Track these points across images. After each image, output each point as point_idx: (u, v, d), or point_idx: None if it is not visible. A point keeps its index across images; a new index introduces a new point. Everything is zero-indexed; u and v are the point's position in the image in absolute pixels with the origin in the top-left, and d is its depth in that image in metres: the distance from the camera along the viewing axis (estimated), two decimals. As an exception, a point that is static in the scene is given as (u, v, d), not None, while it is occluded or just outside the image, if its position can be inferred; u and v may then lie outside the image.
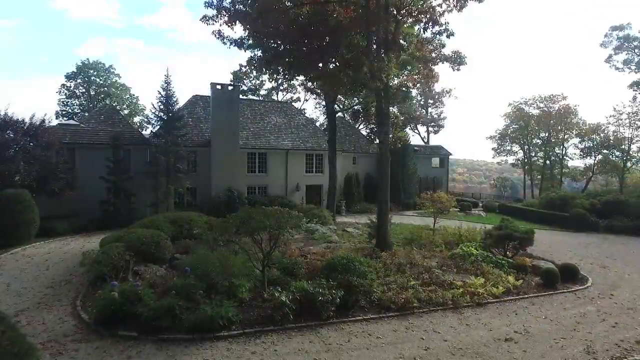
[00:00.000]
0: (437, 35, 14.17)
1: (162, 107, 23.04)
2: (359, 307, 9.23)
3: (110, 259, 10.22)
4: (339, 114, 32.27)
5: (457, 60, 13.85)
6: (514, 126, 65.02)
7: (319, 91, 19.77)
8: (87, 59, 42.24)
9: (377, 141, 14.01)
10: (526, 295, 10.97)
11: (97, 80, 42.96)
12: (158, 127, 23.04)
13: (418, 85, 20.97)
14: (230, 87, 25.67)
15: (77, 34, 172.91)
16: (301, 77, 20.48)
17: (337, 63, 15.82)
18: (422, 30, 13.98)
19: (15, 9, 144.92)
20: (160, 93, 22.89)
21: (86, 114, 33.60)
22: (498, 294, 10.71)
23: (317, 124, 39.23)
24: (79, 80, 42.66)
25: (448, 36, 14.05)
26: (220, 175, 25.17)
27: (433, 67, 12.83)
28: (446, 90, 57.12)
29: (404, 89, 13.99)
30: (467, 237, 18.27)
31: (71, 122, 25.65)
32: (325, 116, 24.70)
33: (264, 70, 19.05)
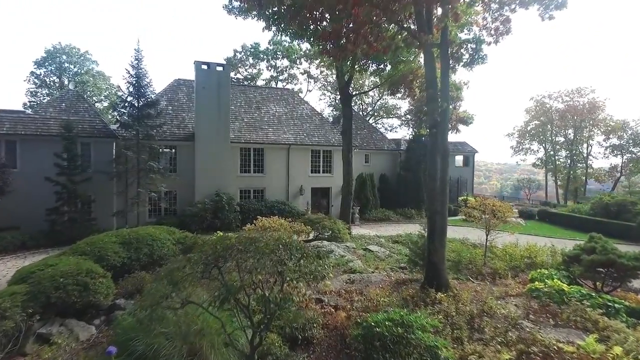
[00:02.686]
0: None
1: (131, 89, 18.76)
2: None
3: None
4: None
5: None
6: (535, 122, 61.31)
7: (329, 59, 15.44)
8: (59, 42, 37.93)
9: (411, 130, 9.62)
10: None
11: (71, 67, 38.68)
12: (126, 115, 18.76)
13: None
14: (219, 68, 21.39)
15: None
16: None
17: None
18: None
19: None
20: (128, 72, 18.60)
21: (44, 101, 29.34)
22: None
23: (325, 114, 34.83)
24: (50, 68, 38.43)
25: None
26: (206, 175, 20.88)
27: (510, 13, 8.63)
28: (463, 82, 52.93)
29: (471, 44, 9.71)
30: (532, 257, 14.03)
31: (16, 109, 21.36)
32: (339, 100, 20.16)
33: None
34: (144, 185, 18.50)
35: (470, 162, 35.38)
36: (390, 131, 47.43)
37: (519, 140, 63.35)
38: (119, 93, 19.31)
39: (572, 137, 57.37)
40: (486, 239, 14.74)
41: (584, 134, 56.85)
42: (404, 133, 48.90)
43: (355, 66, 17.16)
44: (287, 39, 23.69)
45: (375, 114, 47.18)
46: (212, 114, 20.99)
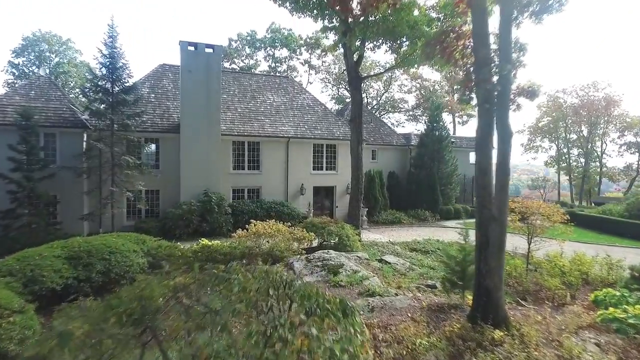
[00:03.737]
0: None
1: (104, 72, 16.34)
2: None
3: None
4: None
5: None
6: (547, 118, 59.18)
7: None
8: (39, 29, 35.47)
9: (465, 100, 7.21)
10: None
11: (52, 56, 36.25)
12: (98, 101, 16.33)
13: None
14: (208, 49, 18.96)
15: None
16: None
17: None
18: None
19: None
20: (100, 52, 16.18)
21: (7, 89, 26.94)
22: None
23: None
24: (30, 57, 36.01)
25: None
26: (193, 172, 18.45)
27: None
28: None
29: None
30: (583, 270, 11.65)
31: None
32: (347, 83, 17.61)
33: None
34: (119, 183, 16.11)
35: (485, 159, 32.90)
36: (397, 126, 45.06)
37: (530, 138, 61.26)
38: (89, 76, 16.84)
39: (587, 134, 55.35)
40: (528, 249, 12.31)
41: (598, 131, 54.99)
42: (411, 128, 46.46)
43: (366, 43, 14.73)
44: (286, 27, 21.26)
45: (381, 108, 44.77)
46: (200, 101, 18.55)
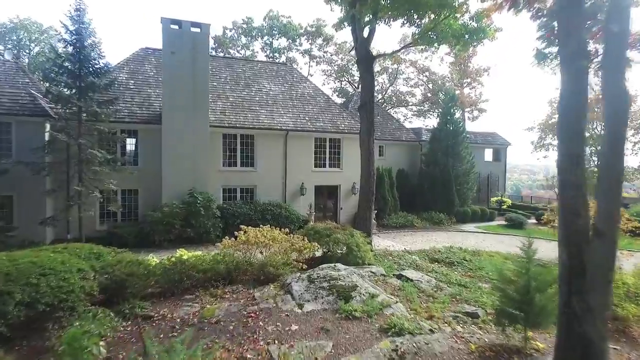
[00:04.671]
0: None
1: (70, 51, 14.10)
2: None
3: None
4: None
5: None
6: (555, 116, 57.11)
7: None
8: (17, 15, 33.20)
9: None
10: None
11: (32, 45, 33.99)
12: (62, 85, 14.09)
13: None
14: (195, 28, 16.69)
15: None
16: None
17: None
18: None
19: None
20: (65, 27, 13.93)
21: None
22: None
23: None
24: (9, 46, 33.77)
25: None
26: (177, 170, 16.21)
27: None
28: (484, 69, 48.48)
29: None
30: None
31: None
32: (356, 64, 15.14)
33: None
34: (87, 182, 13.86)
35: (501, 156, 30.73)
36: (403, 122, 42.79)
37: (541, 136, 59.18)
38: (52, 55, 14.58)
39: (603, 131, 53.21)
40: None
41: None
42: (418, 124, 44.17)
43: (379, 16, 12.46)
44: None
45: (386, 102, 42.50)
46: (185, 88, 16.30)
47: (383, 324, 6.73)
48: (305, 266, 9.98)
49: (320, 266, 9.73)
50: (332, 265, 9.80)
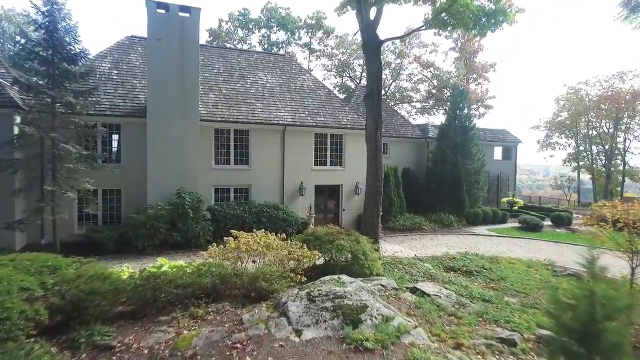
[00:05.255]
0: None
1: (41, 35, 12.74)
2: None
3: None
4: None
5: None
6: (563, 114, 56.12)
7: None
8: (1, 6, 31.85)
9: None
10: None
11: (17, 38, 32.58)
12: (33, 72, 12.73)
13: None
14: (183, 13, 15.32)
15: None
16: None
17: None
18: None
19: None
20: (36, 8, 12.58)
21: None
22: None
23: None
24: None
25: None
26: (164, 168, 14.86)
27: None
28: (489, 64, 47.21)
29: None
30: None
31: None
32: (361, 48, 13.57)
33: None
34: (61, 180, 12.52)
35: (512, 154, 29.37)
36: (407, 119, 41.50)
37: (547, 134, 58.02)
38: (22, 40, 13.23)
39: (612, 130, 52.26)
40: (632, 274, 8.66)
41: (621, 126, 52.00)
42: (423, 121, 42.80)
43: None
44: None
45: (388, 99, 41.13)
46: (173, 78, 14.95)
47: (402, 358, 5.38)
48: (304, 278, 8.65)
49: (321, 279, 8.39)
50: (336, 277, 8.46)
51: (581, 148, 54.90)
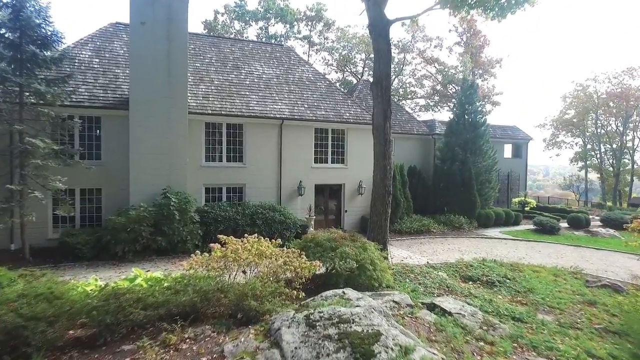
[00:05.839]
0: None
1: (6, 15, 11.46)
2: None
3: None
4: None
5: None
6: (570, 112, 54.98)
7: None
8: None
9: None
10: None
11: None
12: (-2, 57, 11.45)
13: None
14: (170, -5, 14.04)
15: None
16: None
17: None
18: None
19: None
20: (2, -16, 11.31)
21: None
22: None
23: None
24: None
25: None
26: (148, 165, 13.56)
27: None
28: (495, 60, 46.01)
29: None
30: None
31: None
32: (368, 30, 12.22)
33: None
34: (29, 178, 11.25)
35: (522, 152, 28.08)
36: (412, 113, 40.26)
37: (554, 133, 56.84)
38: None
39: (622, 128, 51.19)
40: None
41: (630, 125, 51.01)
42: (426, 118, 41.58)
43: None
44: None
45: (392, 94, 39.86)
46: (159, 66, 13.66)
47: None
48: (302, 293, 7.36)
49: (323, 294, 7.12)
50: (340, 292, 7.18)
51: (588, 147, 53.80)
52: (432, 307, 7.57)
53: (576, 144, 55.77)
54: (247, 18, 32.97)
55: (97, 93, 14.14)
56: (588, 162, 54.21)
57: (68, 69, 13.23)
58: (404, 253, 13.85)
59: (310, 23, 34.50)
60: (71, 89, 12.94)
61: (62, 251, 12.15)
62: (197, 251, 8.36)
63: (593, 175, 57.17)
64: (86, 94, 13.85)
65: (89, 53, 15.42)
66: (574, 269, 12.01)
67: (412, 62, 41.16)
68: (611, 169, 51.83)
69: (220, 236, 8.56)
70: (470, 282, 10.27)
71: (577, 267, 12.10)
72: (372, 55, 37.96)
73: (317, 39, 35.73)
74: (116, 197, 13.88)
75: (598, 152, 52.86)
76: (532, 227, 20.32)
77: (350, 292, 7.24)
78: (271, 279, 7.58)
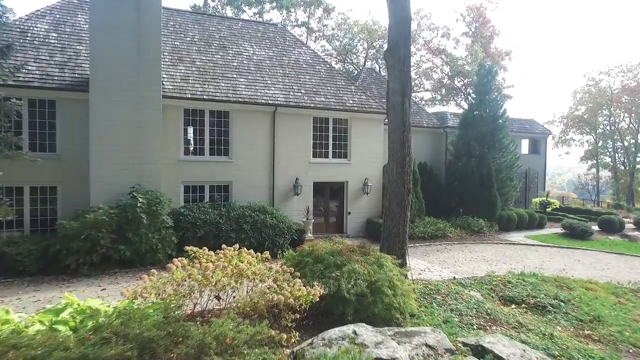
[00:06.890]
0: None
1: None
2: None
3: None
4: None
5: None
6: (581, 108, 53.10)
7: None
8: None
9: None
10: None
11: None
12: None
13: None
14: (140, -44, 11.83)
15: None
16: None
17: None
18: None
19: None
20: None
21: None
22: None
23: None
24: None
25: None
26: (112, 159, 11.37)
27: None
28: (505, 52, 44.03)
29: None
30: None
31: None
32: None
33: None
34: (-46, 175, 9.04)
35: (541, 147, 25.94)
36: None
37: (563, 130, 54.95)
38: None
39: (637, 125, 49.41)
40: None
41: (641, 119, 49.39)
42: (433, 111, 39.48)
43: None
44: None
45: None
46: (126, 42, 11.46)
47: None
48: (294, 335, 5.22)
49: (325, 335, 5.07)
50: (350, 332, 5.15)
51: (599, 144, 51.95)
52: (480, 353, 5.39)
53: (587, 141, 53.94)
54: (240, 3, 30.77)
55: (51, 72, 11.93)
56: (599, 161, 52.37)
57: (10, 40, 11.04)
58: (421, 264, 11.69)
59: (308, 9, 32.40)
60: (15, 64, 10.72)
61: (1, 264, 9.96)
62: (170, 261, 6.21)
63: (605, 174, 55.26)
64: (37, 72, 11.65)
65: (45, 27, 13.22)
66: (632, 284, 9.87)
67: (416, 53, 39.12)
68: (623, 167, 50.00)
69: (188, 247, 6.41)
70: (514, 305, 8.11)
71: (636, 283, 9.96)
72: (374, 44, 35.94)
73: (316, 27, 33.61)
74: (75, 197, 11.69)
75: (611, 149, 50.99)
76: (559, 230, 18.19)
77: (364, 332, 5.14)
78: (252, 312, 5.44)
